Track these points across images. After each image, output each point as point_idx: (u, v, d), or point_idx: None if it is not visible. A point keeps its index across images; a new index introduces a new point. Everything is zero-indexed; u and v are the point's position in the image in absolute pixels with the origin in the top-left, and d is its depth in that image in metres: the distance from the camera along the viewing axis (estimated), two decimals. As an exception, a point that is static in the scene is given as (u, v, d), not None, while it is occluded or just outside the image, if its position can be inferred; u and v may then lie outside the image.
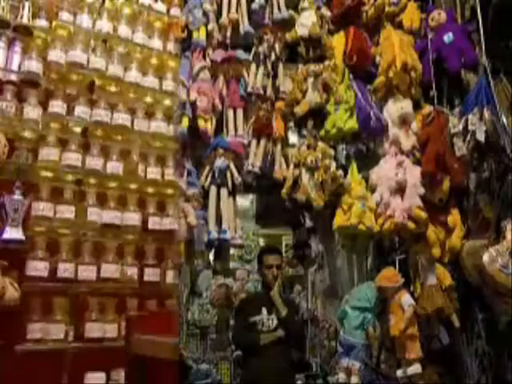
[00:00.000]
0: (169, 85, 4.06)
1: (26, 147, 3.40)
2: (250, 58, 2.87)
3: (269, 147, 2.77)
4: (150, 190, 3.96)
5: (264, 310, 2.91)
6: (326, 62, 2.65)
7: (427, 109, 2.43)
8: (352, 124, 2.53)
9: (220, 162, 2.67)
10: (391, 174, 2.37)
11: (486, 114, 2.16)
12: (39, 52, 3.51)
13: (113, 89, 3.83)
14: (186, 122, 2.78)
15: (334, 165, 2.51)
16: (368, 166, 2.56)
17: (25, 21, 3.47)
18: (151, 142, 3.99)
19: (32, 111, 3.39)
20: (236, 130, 2.79)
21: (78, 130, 3.64)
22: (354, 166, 2.57)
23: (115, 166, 3.71)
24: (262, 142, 2.75)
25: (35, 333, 3.18)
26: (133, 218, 3.74)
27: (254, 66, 2.86)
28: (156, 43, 4.09)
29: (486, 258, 2.05)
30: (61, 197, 3.48)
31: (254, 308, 2.94)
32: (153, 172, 3.92)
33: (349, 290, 2.64)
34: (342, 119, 2.53)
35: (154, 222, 3.84)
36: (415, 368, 2.19)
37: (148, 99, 4.03)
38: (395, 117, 2.49)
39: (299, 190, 2.55)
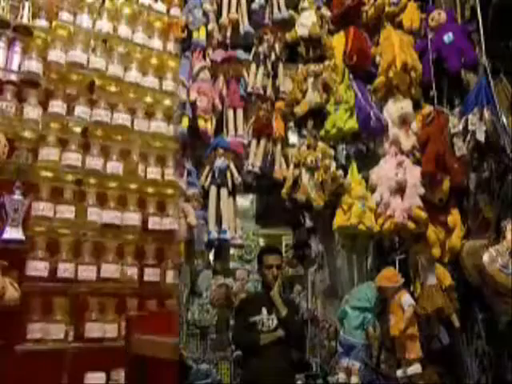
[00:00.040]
0: (169, 85, 4.06)
1: (26, 147, 3.40)
2: (250, 58, 2.87)
3: (269, 147, 2.77)
4: (150, 190, 3.95)
5: (264, 310, 2.90)
6: (326, 62, 2.65)
7: (427, 109, 2.43)
8: (352, 124, 2.53)
9: (220, 162, 2.67)
10: (391, 174, 2.37)
11: (486, 114, 2.16)
12: (39, 52, 3.51)
13: (113, 89, 3.83)
14: (185, 121, 2.78)
15: (333, 165, 2.50)
16: (368, 166, 2.56)
17: (25, 21, 3.47)
18: (151, 142, 3.99)
19: (32, 111, 3.39)
20: (236, 130, 2.79)
21: (78, 130, 3.64)
22: (354, 166, 2.57)
23: (115, 166, 3.71)
24: (262, 141, 2.75)
25: (35, 333, 3.18)
26: (133, 217, 3.74)
27: (253, 66, 2.86)
28: (156, 43, 4.09)
29: (485, 258, 2.05)
30: (61, 197, 3.48)
31: (254, 308, 2.94)
32: (153, 172, 3.91)
33: (349, 290, 2.64)
34: (342, 119, 2.53)
35: (153, 222, 3.84)
36: (415, 368, 2.19)
37: (148, 99, 4.03)
38: (395, 117, 2.48)
39: (299, 189, 2.55)
